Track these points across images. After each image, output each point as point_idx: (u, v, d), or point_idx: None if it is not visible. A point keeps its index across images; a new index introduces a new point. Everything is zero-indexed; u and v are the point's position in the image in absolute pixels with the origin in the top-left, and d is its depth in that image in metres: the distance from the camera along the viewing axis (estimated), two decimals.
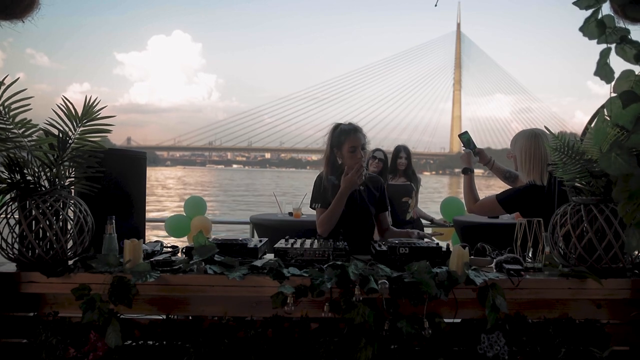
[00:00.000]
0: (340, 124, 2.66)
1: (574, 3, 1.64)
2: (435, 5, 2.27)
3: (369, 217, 2.62)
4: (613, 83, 1.64)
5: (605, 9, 1.62)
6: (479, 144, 3.00)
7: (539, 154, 2.42)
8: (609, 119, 1.70)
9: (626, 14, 1.64)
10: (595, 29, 1.63)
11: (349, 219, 2.55)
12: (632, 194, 1.55)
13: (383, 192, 2.73)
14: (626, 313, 1.88)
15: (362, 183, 2.63)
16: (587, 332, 1.84)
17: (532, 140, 2.45)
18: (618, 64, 1.64)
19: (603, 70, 1.61)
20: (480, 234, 4.05)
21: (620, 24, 1.64)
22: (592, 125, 1.83)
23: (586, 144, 1.91)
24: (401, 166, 4.51)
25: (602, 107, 1.94)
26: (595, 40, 1.64)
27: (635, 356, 1.86)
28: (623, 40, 1.61)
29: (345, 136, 2.58)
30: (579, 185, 1.96)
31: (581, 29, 1.64)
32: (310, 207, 2.68)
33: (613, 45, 1.62)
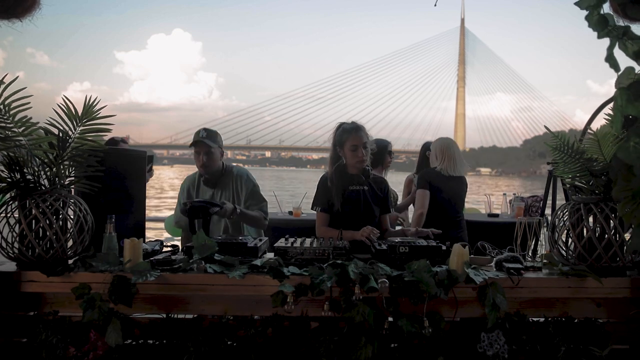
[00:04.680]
0: (344, 123, 2.67)
1: (575, 3, 1.64)
2: (435, 5, 2.27)
3: (372, 217, 2.62)
4: (615, 80, 1.64)
5: (606, 8, 1.62)
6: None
7: None
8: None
9: (626, 14, 1.63)
10: (597, 23, 1.63)
11: (352, 218, 2.55)
12: (635, 193, 1.54)
13: (387, 194, 2.73)
14: (626, 312, 1.88)
15: (366, 183, 2.63)
16: (586, 330, 1.84)
17: None
18: (620, 62, 1.64)
19: (612, 59, 1.61)
20: (480, 233, 4.05)
21: (620, 23, 1.64)
22: (610, 109, 1.79)
23: (586, 143, 1.92)
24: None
25: (604, 105, 1.95)
26: (597, 34, 1.64)
27: (634, 355, 1.86)
28: (625, 35, 1.61)
29: (347, 135, 2.58)
30: (579, 184, 1.96)
31: (587, 18, 1.63)
32: (312, 208, 2.68)
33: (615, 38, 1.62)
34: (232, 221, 2.85)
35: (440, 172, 3.35)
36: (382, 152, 3.92)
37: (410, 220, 4.42)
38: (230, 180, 2.92)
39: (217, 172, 2.92)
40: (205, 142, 2.82)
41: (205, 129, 2.89)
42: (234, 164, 3.06)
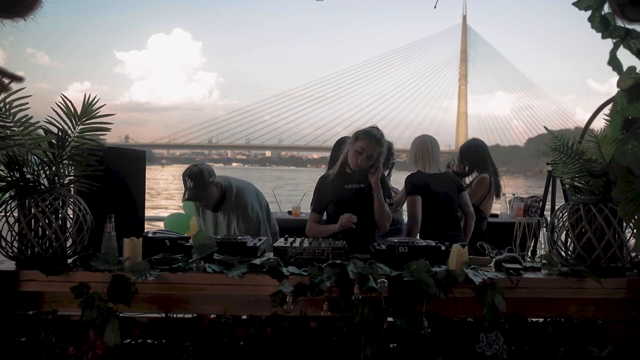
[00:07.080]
0: (375, 126, 2.63)
1: (573, 4, 1.65)
2: (435, 7, 2.26)
3: (369, 215, 2.62)
4: (617, 79, 1.65)
5: (605, 9, 1.63)
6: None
7: None
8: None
9: (625, 14, 1.64)
10: (599, 24, 1.64)
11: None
12: (638, 195, 1.54)
13: (385, 194, 2.73)
14: (625, 312, 1.88)
15: (365, 181, 2.63)
16: (585, 331, 1.84)
17: None
18: (623, 61, 1.65)
19: (614, 61, 1.62)
20: (479, 233, 4.04)
21: (619, 23, 1.64)
22: (608, 113, 1.78)
23: (586, 144, 1.92)
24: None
25: (605, 104, 1.95)
26: (600, 35, 1.65)
27: (634, 355, 1.86)
28: (628, 35, 1.62)
29: (365, 137, 2.55)
30: (578, 184, 1.96)
31: (590, 20, 1.65)
32: (310, 206, 2.69)
33: (619, 39, 1.63)
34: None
35: (425, 173, 3.13)
36: (388, 155, 3.83)
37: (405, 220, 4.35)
38: (229, 206, 2.90)
39: (217, 199, 2.91)
40: (199, 199, 2.84)
41: (190, 177, 2.75)
42: (233, 184, 2.95)
